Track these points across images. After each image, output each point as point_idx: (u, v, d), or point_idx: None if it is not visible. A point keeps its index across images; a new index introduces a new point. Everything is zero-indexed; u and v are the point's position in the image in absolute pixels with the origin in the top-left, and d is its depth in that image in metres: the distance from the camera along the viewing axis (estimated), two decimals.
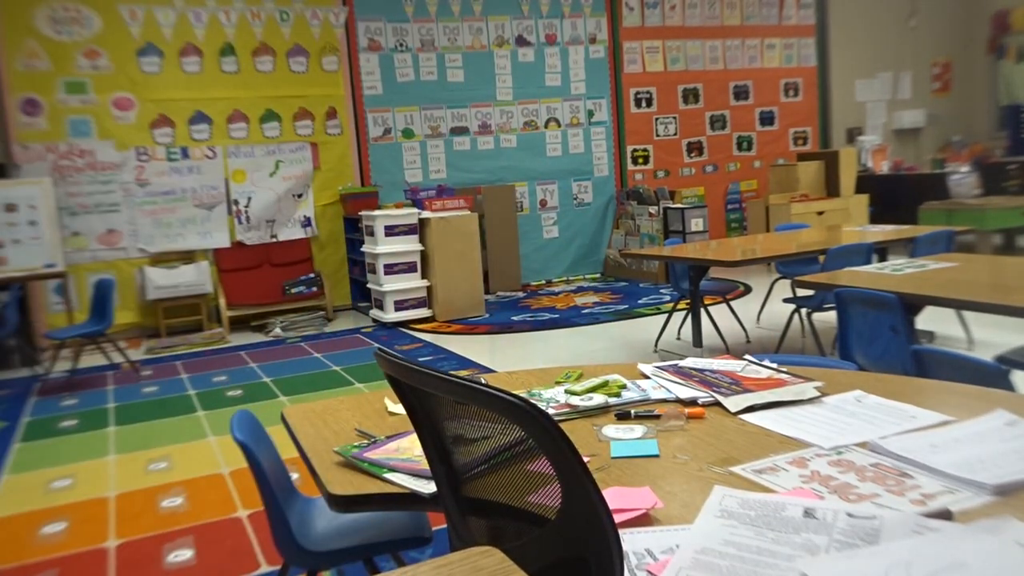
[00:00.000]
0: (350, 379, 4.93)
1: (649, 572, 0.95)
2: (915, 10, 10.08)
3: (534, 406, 0.86)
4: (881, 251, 4.79)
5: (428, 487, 1.27)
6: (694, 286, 4.73)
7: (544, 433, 0.86)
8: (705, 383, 1.65)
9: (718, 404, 1.53)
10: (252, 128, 7.29)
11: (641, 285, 7.87)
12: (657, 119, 9.05)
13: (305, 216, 7.51)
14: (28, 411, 4.96)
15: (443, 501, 1.14)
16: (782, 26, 9.60)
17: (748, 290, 7.05)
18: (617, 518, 1.06)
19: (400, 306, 6.64)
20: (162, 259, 6.94)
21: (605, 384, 1.68)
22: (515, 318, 6.65)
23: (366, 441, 1.51)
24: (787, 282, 5.01)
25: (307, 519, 1.87)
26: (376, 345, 5.96)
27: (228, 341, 6.57)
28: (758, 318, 5.78)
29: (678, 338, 5.38)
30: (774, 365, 1.75)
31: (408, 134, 7.94)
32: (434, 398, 1.04)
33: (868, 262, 4.23)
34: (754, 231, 8.36)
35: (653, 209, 8.12)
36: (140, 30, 6.88)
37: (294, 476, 2.22)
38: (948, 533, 0.93)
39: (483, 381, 1.83)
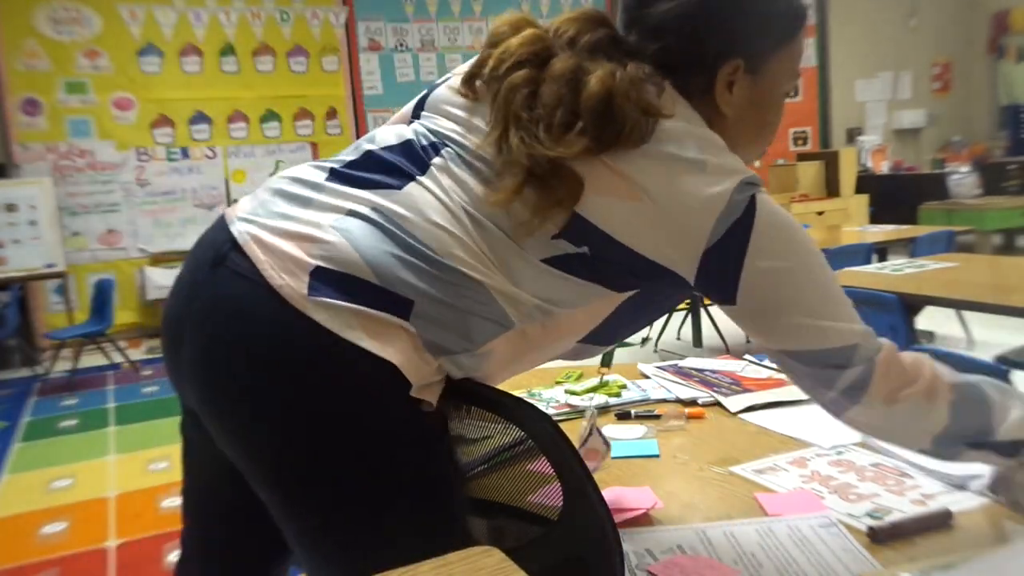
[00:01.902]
0: None
1: (649, 572, 0.95)
2: (915, 10, 10.08)
3: (533, 407, 0.86)
4: (881, 251, 4.80)
5: None
6: None
7: (544, 434, 0.86)
8: (705, 383, 1.65)
9: (718, 404, 1.53)
10: (252, 128, 7.29)
11: None
12: None
13: None
14: (28, 411, 4.96)
15: None
16: None
17: None
18: (617, 518, 1.06)
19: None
20: (162, 259, 6.94)
21: (605, 384, 1.68)
22: None
23: None
24: None
25: None
26: None
27: None
28: None
29: (678, 338, 5.38)
30: (774, 365, 1.75)
31: None
32: None
33: (868, 262, 4.23)
34: None
35: None
36: (140, 30, 6.88)
37: None
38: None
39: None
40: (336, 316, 0.85)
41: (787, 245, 0.89)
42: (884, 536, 0.97)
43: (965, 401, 0.93)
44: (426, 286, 0.87)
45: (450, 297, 0.88)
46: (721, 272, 0.88)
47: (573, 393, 1.64)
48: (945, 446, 0.95)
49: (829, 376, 0.91)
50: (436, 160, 0.94)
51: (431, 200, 0.90)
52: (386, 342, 0.86)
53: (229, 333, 0.89)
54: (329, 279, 0.87)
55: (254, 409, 0.89)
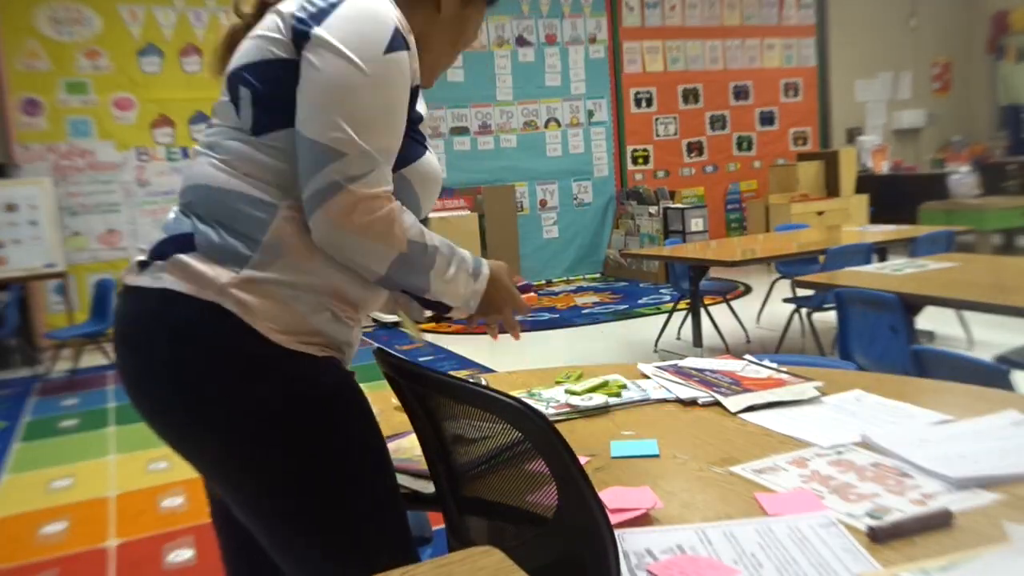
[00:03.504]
0: None
1: (649, 572, 0.95)
2: (915, 10, 10.08)
3: (531, 408, 0.86)
4: (881, 251, 4.80)
5: (428, 487, 1.27)
6: (694, 286, 4.73)
7: (540, 435, 0.86)
8: (705, 383, 1.65)
9: (718, 404, 1.53)
10: None
11: (641, 285, 7.87)
12: (657, 119, 9.05)
13: None
14: (28, 411, 4.96)
15: (442, 501, 1.14)
16: (782, 26, 9.60)
17: (748, 290, 7.05)
18: (617, 518, 1.06)
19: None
20: None
21: (605, 384, 1.68)
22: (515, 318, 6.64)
23: None
24: (787, 282, 5.02)
25: None
26: (376, 345, 5.96)
27: None
28: (758, 318, 5.78)
29: (678, 338, 5.39)
30: (774, 365, 1.75)
31: None
32: (433, 398, 1.04)
33: (868, 262, 4.23)
34: (754, 231, 8.36)
35: (653, 209, 8.12)
36: (140, 30, 6.88)
37: None
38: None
39: (483, 381, 1.83)
40: (153, 275, 1.07)
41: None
42: (884, 536, 0.97)
43: (411, 261, 1.09)
44: (194, 216, 1.11)
45: (220, 202, 1.09)
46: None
47: (573, 393, 1.64)
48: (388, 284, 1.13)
49: (308, 170, 1.04)
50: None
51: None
52: (193, 279, 1.05)
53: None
54: (151, 256, 1.10)
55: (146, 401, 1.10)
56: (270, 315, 1.05)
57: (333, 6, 1.06)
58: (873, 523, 0.99)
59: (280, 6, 1.11)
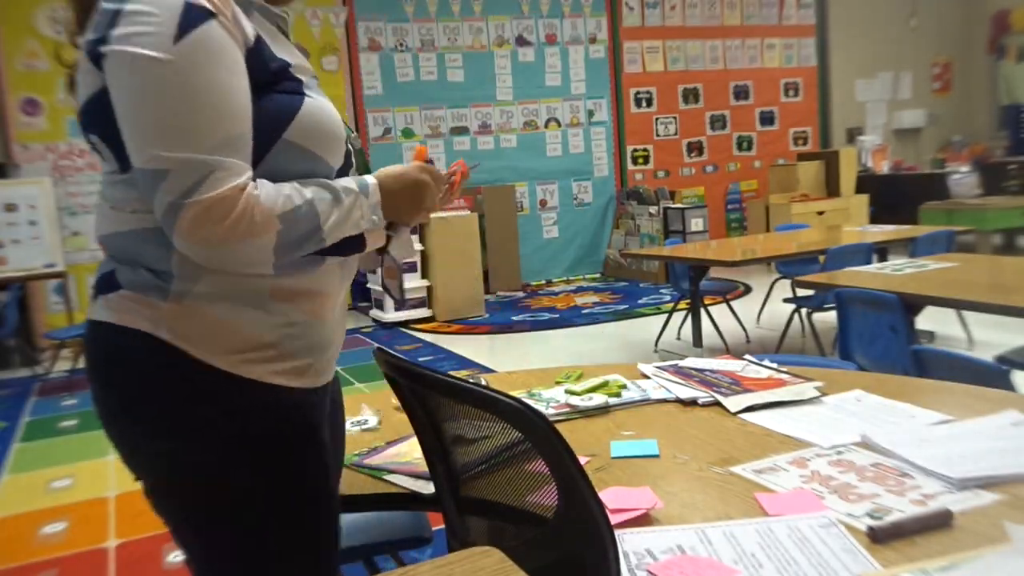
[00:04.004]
0: (350, 379, 4.93)
1: (649, 572, 0.95)
2: (915, 10, 10.08)
3: (531, 408, 0.86)
4: (881, 251, 4.80)
5: (428, 487, 1.27)
6: (694, 286, 4.73)
7: (541, 435, 0.86)
8: (705, 383, 1.65)
9: (718, 404, 1.53)
10: None
11: (641, 285, 7.87)
12: (657, 119, 9.05)
13: None
14: (28, 411, 4.96)
15: (442, 501, 1.14)
16: (782, 26, 9.60)
17: (748, 290, 7.05)
18: (617, 518, 1.06)
19: (400, 306, 6.64)
20: None
21: (605, 384, 1.68)
22: (515, 318, 6.65)
23: (365, 449, 1.51)
24: (787, 282, 5.01)
25: None
26: (376, 345, 5.96)
27: None
28: (758, 318, 5.78)
29: (678, 338, 5.38)
30: (774, 365, 1.75)
31: (408, 134, 7.94)
32: (433, 398, 1.04)
33: (868, 262, 4.23)
34: (754, 231, 8.36)
35: (653, 209, 8.12)
36: None
37: None
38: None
39: (483, 382, 1.83)
40: (94, 309, 1.07)
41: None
42: (884, 536, 0.97)
43: (293, 233, 1.00)
44: (113, 259, 1.08)
45: (124, 245, 1.06)
46: None
47: (573, 393, 1.64)
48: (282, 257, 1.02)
49: (149, 200, 0.97)
50: None
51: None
52: (124, 312, 1.04)
53: None
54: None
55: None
56: (209, 339, 1.02)
57: (112, 14, 0.96)
58: (873, 523, 0.99)
59: (82, 38, 1.04)
